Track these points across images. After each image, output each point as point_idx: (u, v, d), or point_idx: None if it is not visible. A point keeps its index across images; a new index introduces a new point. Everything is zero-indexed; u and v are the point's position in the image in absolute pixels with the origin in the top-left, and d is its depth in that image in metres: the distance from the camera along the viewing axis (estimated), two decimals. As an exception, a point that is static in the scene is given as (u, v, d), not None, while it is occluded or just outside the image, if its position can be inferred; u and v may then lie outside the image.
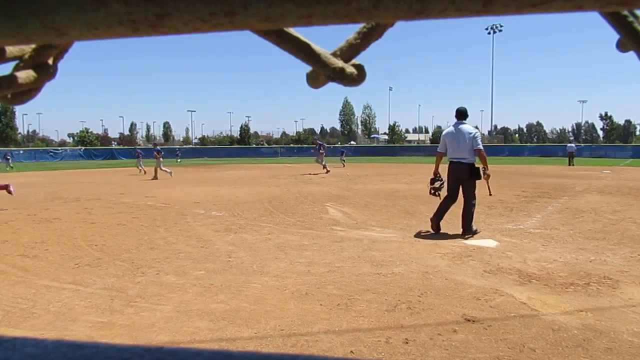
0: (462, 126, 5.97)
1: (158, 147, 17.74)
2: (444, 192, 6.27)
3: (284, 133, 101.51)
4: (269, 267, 4.38)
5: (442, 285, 3.79)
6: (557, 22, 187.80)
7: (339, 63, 0.38)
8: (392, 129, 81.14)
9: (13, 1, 0.25)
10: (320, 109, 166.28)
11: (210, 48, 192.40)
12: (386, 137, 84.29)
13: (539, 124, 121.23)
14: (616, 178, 15.47)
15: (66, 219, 7.52)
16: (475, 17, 0.27)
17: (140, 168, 19.91)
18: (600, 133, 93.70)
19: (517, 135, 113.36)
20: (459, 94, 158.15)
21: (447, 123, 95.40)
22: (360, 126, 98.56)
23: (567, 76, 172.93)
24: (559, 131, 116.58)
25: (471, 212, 5.80)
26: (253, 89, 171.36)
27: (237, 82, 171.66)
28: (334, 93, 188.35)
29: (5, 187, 8.93)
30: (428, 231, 5.99)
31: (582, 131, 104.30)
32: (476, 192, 5.93)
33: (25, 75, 0.43)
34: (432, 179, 6.35)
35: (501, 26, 66.34)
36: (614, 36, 0.39)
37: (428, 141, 79.59)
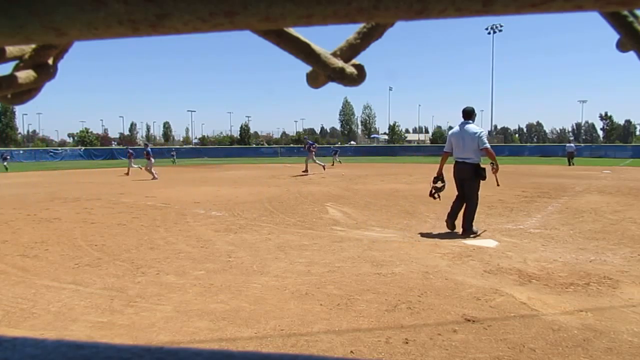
0: (468, 126, 5.95)
1: (149, 149, 17.53)
2: (443, 195, 6.29)
3: (284, 133, 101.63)
4: (269, 267, 4.38)
5: (442, 285, 3.79)
6: (557, 22, 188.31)
7: (339, 63, 0.38)
8: (392, 129, 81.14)
9: (13, 1, 0.25)
10: (320, 109, 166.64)
11: (210, 48, 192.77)
12: (386, 137, 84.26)
13: (539, 124, 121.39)
14: (616, 178, 15.47)
15: (66, 219, 7.52)
16: (475, 17, 0.27)
17: (131, 168, 19.68)
18: (600, 133, 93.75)
19: (517, 135, 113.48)
20: (459, 94, 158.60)
21: (447, 123, 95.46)
22: (360, 126, 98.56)
23: (567, 76, 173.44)
24: (559, 131, 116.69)
25: (472, 213, 5.81)
26: (253, 89, 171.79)
27: (237, 82, 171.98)
28: (334, 93, 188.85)
29: None
30: (429, 232, 6.00)
31: (582, 131, 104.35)
32: (479, 192, 5.93)
33: (25, 75, 0.43)
34: (435, 178, 6.36)
35: (501, 26, 66.19)
36: (614, 36, 0.39)
37: (428, 141, 79.61)
